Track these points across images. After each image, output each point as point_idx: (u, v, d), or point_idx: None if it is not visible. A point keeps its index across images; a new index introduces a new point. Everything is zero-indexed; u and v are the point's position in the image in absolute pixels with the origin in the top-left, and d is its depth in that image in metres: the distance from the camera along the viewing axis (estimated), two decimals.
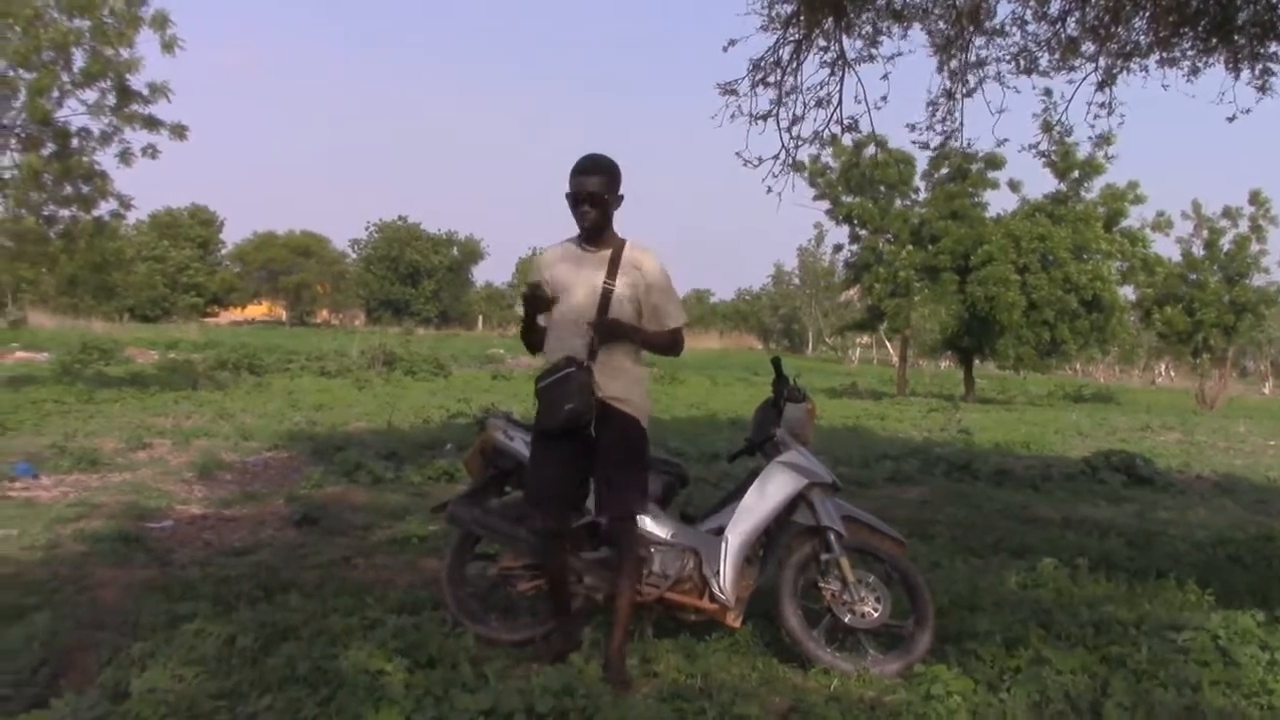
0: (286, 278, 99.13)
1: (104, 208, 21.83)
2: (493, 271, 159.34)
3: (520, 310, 5.17)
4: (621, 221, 5.15)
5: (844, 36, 10.23)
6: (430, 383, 29.34)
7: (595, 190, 4.96)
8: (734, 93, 10.49)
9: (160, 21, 20.95)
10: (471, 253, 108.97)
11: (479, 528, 5.67)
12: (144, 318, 76.93)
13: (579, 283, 5.03)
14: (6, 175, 21.13)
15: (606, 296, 4.99)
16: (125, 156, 21.35)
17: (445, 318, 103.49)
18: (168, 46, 21.16)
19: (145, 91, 21.22)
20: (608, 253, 5.05)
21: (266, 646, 5.05)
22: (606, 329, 4.95)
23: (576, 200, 4.98)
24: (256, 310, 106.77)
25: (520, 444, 5.58)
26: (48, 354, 32.89)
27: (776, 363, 5.88)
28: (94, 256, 22.03)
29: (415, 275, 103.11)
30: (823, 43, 10.38)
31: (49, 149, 21.00)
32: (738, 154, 10.44)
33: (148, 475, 11.18)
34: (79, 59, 20.88)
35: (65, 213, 21.69)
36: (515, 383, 29.88)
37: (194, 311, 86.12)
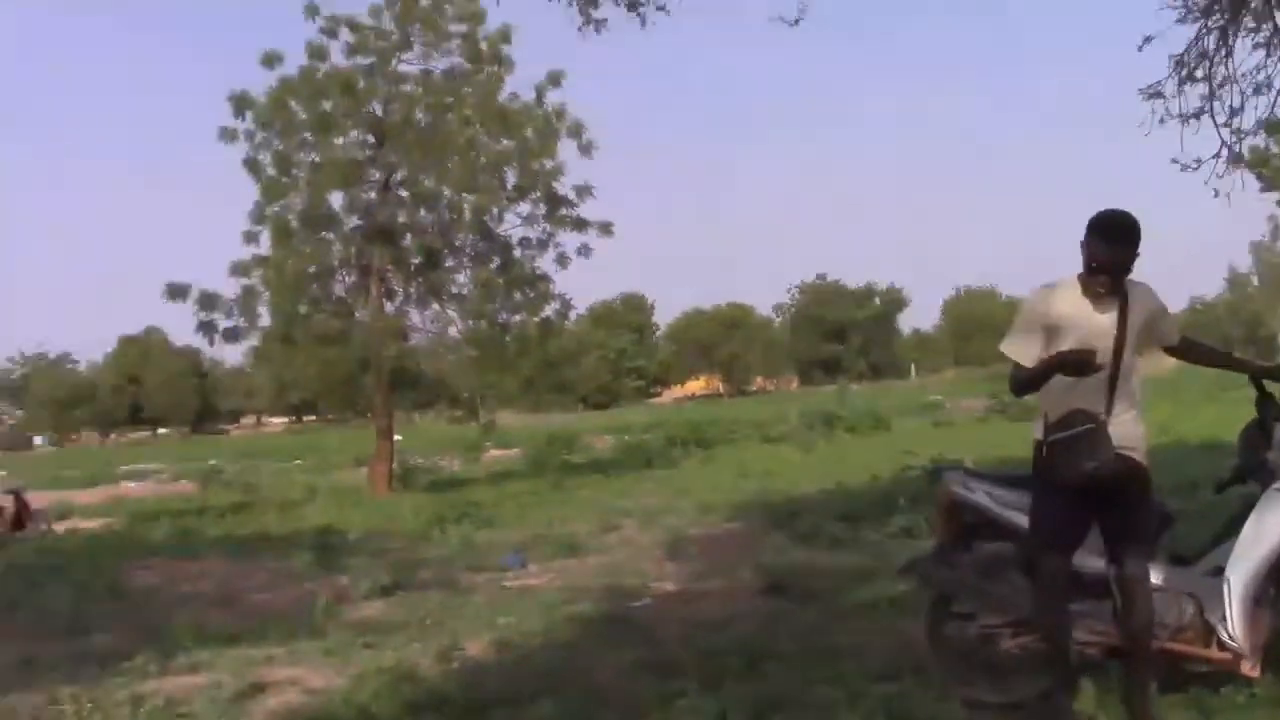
0: (719, 350, 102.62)
1: (548, 309, 23.80)
2: (919, 318, 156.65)
3: (1021, 355, 5.00)
4: None
5: (1276, 14, 9.36)
6: (872, 438, 29.27)
7: (1123, 262, 4.74)
8: (1160, 95, 9.85)
9: (576, 130, 22.71)
10: (895, 302, 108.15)
11: (953, 586, 5.56)
12: (596, 405, 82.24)
13: (1091, 334, 4.82)
14: (464, 291, 23.53)
15: (1120, 347, 4.80)
16: (562, 259, 23.27)
17: (876, 370, 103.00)
18: (585, 150, 22.87)
19: (572, 195, 23.00)
20: (1116, 299, 4.84)
21: (759, 718, 5.19)
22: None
23: (1099, 268, 4.72)
24: (695, 385, 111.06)
25: (982, 495, 5.43)
26: (518, 450, 35.89)
27: (1258, 378, 5.37)
28: (546, 356, 23.99)
29: (841, 331, 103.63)
30: (1251, 24, 9.55)
31: (495, 262, 23.19)
32: (1174, 160, 9.77)
33: (622, 556, 11.90)
34: (511, 176, 23.03)
35: (516, 318, 23.79)
36: (959, 429, 29.22)
37: (639, 394, 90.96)
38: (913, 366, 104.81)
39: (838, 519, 12.54)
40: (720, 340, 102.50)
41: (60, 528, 20.89)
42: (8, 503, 21.31)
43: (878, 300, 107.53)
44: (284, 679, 6.82)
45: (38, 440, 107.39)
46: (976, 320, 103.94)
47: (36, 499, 23.24)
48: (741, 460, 24.94)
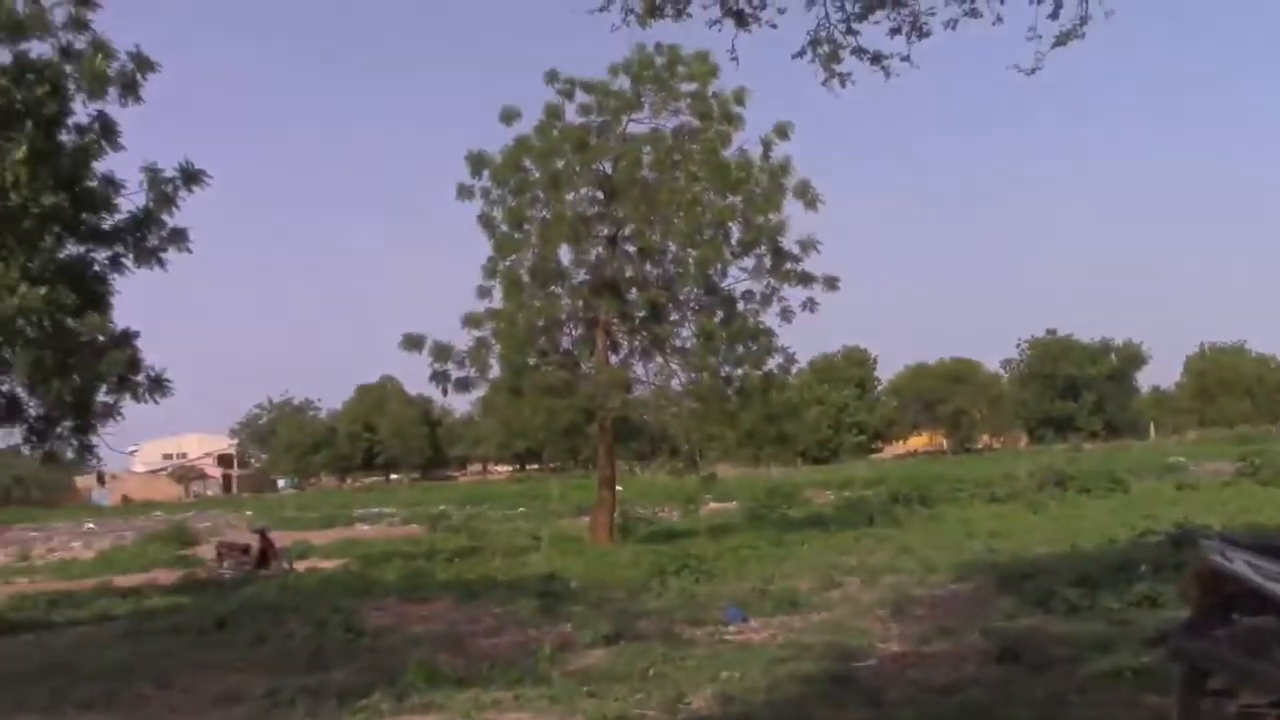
0: (943, 406, 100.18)
1: (771, 363, 23.76)
2: (1159, 375, 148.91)
3: None
4: None
5: None
6: (1108, 499, 27.91)
7: None
8: None
9: (802, 190, 22.75)
10: (1132, 358, 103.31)
11: (1210, 660, 5.21)
12: (815, 460, 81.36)
13: None
14: (687, 344, 23.74)
15: None
16: (785, 314, 23.25)
17: (1112, 429, 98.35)
18: (810, 204, 22.84)
19: (796, 250, 22.96)
20: None
21: None
22: None
23: None
24: (918, 441, 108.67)
25: (1242, 565, 5.08)
26: (736, 503, 35.80)
27: None
28: (767, 409, 23.87)
29: (1074, 388, 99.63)
30: None
31: (719, 316, 23.34)
32: None
33: (844, 614, 11.68)
34: (735, 231, 23.17)
35: (738, 371, 23.84)
36: (1203, 492, 27.55)
37: (859, 449, 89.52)
38: (1152, 425, 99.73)
39: (1072, 583, 11.97)
40: (945, 395, 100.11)
41: (300, 566, 22.01)
42: (255, 541, 22.64)
43: (1113, 356, 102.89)
44: None
45: (280, 483, 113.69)
46: (1223, 378, 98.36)
47: (279, 538, 24.58)
48: (967, 519, 24.20)
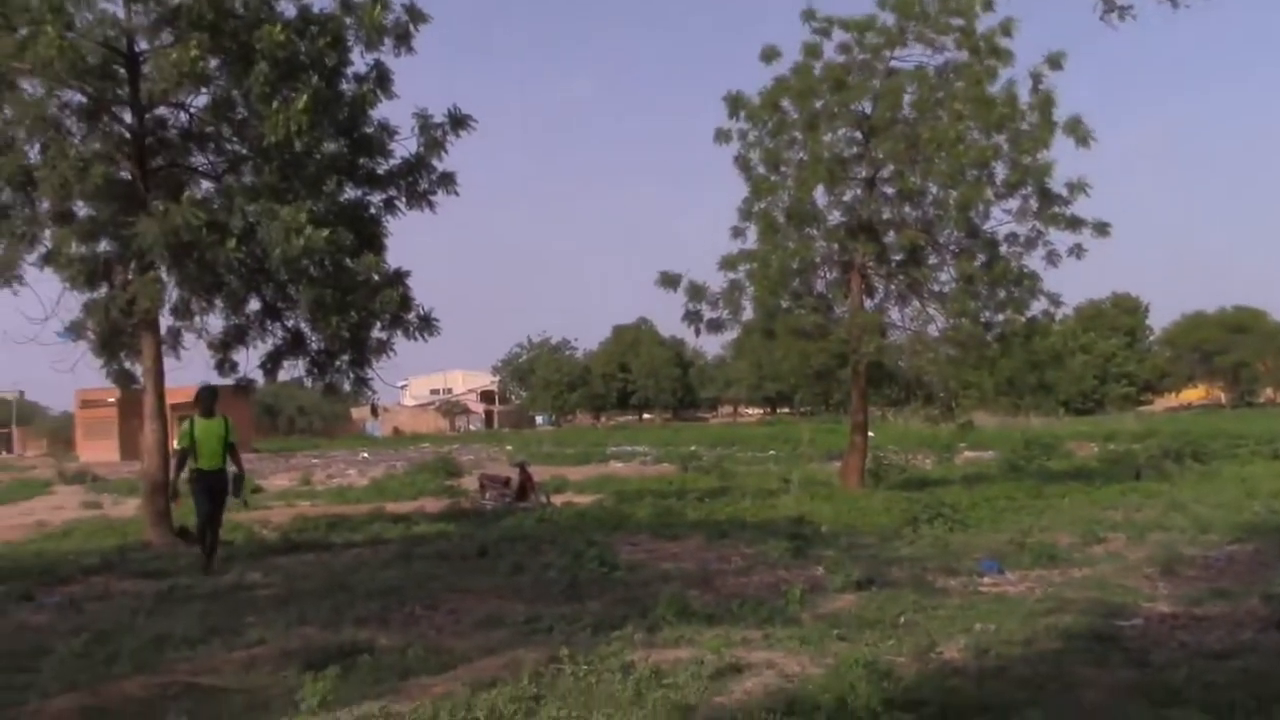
0: (1222, 357, 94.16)
1: (1035, 308, 22.80)
2: None
3: None
4: None
5: None
6: None
7: None
8: None
9: (1073, 126, 21.61)
10: None
11: None
12: (1078, 411, 78.08)
13: None
14: (946, 289, 23.07)
15: None
16: (1051, 258, 22.22)
17: None
18: (1081, 141, 21.68)
19: (1064, 192, 21.88)
20: None
21: None
22: None
23: None
24: (1192, 394, 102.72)
25: None
26: (993, 452, 34.82)
27: None
28: (1029, 356, 23.01)
29: None
30: None
31: (980, 259, 22.52)
32: None
33: (1107, 571, 11.22)
34: (999, 172, 22.24)
35: (999, 317, 22.99)
36: None
37: (1126, 401, 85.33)
38: None
39: None
40: (1225, 346, 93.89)
41: (557, 500, 22.79)
42: (515, 475, 23.57)
43: None
44: (760, 661, 7.02)
45: (539, 419, 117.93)
46: None
47: (537, 473, 25.51)
48: (1246, 477, 22.71)
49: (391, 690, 6.50)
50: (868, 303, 23.56)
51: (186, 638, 8.71)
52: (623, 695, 6.28)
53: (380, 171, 16.69)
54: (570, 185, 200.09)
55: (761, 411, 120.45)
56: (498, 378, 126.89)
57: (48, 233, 15.71)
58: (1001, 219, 22.75)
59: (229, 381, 17.99)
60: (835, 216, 23.33)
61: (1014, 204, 22.46)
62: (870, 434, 26.91)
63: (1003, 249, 22.66)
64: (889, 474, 25.50)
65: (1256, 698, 5.77)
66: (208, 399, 13.64)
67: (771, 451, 44.04)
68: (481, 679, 6.61)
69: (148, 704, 6.69)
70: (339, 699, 6.15)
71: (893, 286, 23.81)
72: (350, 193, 16.46)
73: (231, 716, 6.17)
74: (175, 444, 13.45)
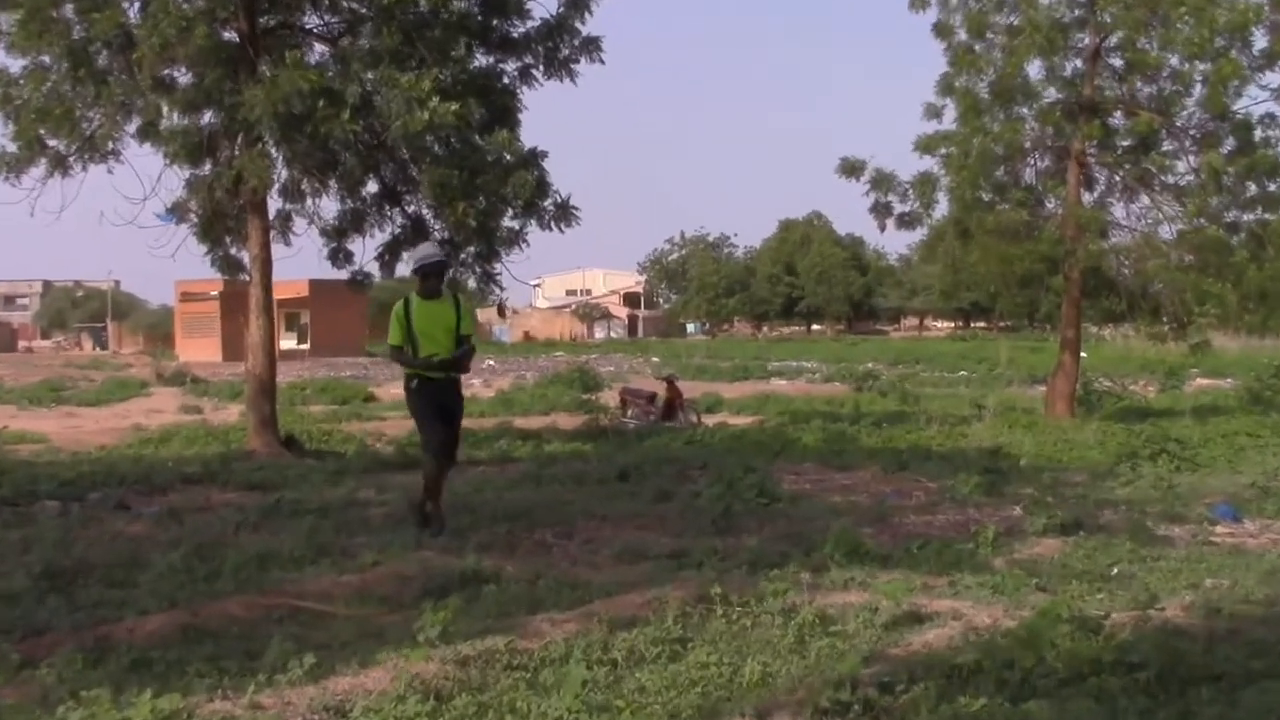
0: None
1: None
2: None
3: None
4: None
5: None
6: None
7: None
8: None
9: None
10: None
11: None
12: None
13: None
14: (1184, 182, 22.20)
15: None
16: None
17: None
18: None
19: None
20: None
21: None
22: None
23: None
24: None
25: None
26: (1232, 380, 33.70)
27: None
28: None
29: None
30: None
31: (1229, 146, 21.57)
32: None
33: None
34: (1259, 39, 21.16)
35: (1250, 217, 22.07)
36: None
37: None
38: None
39: None
40: None
41: (709, 420, 22.93)
42: (661, 390, 23.76)
43: None
44: (945, 610, 6.97)
45: (690, 327, 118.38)
46: None
47: (687, 388, 25.68)
48: None
49: (519, 624, 6.65)
50: (1086, 197, 22.93)
51: (293, 557, 9.06)
52: (782, 641, 6.32)
53: (515, 35, 16.74)
54: (732, 51, 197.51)
55: (953, 325, 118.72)
56: (644, 278, 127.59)
57: (147, 102, 16.19)
58: (1258, 97, 21.76)
59: (343, 275, 18.51)
60: (1051, 94, 22.63)
61: (1276, 79, 21.48)
62: (1083, 355, 26.31)
63: (1257, 134, 21.68)
64: (1103, 402, 24.96)
65: None
66: (434, 271, 10.70)
67: (963, 372, 43.53)
68: (621, 617, 6.72)
69: (251, 626, 7.00)
70: (460, 631, 6.32)
71: (1117, 178, 23.09)
72: (481, 60, 16.58)
73: (342, 644, 6.40)
74: (390, 340, 10.69)
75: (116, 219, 16.95)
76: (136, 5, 15.51)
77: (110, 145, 16.43)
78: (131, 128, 16.56)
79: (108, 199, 20.78)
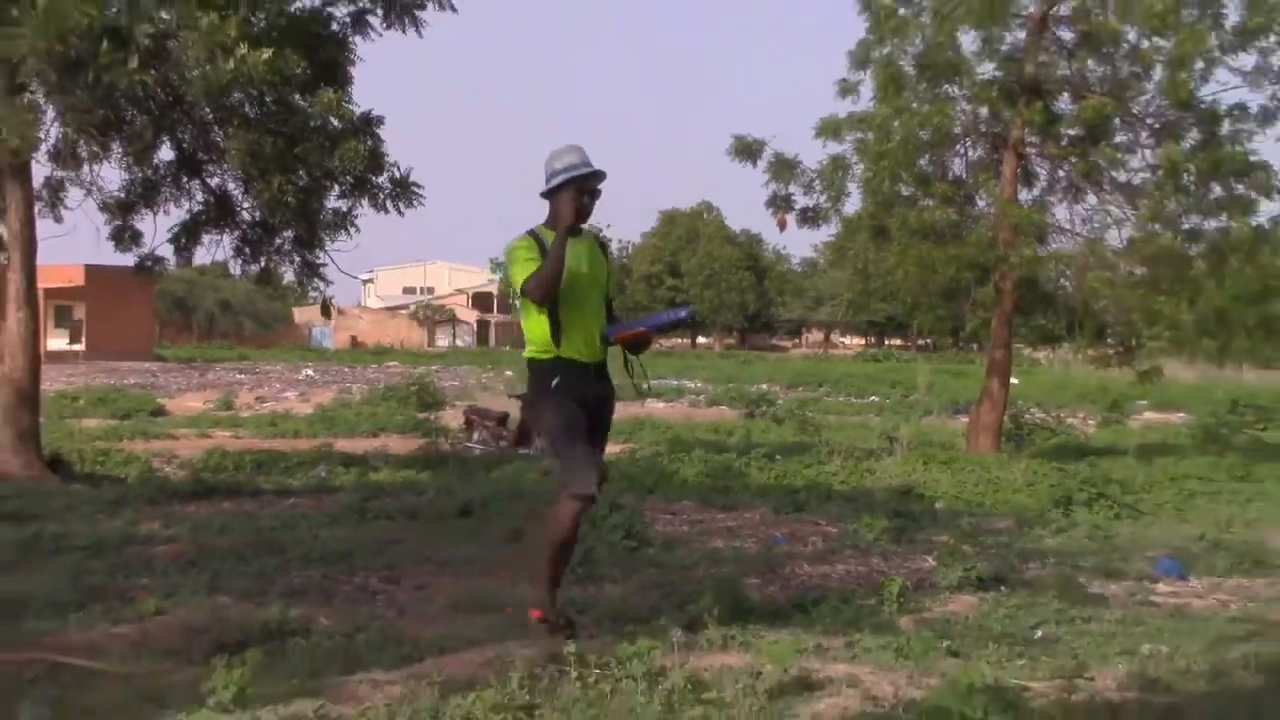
0: None
1: (1265, 212, 22.29)
2: None
3: None
4: None
5: None
6: None
7: None
8: None
9: None
10: None
11: None
12: None
13: None
14: (1137, 180, 22.63)
15: None
16: None
17: None
18: None
19: None
20: None
21: None
22: None
23: None
24: None
25: None
26: (1184, 414, 34.65)
27: None
28: (1251, 281, 22.38)
29: None
30: None
31: (1191, 139, 21.99)
32: None
33: None
34: (1231, 12, 21.57)
35: (1212, 224, 22.50)
36: None
37: None
38: None
39: None
40: None
41: None
42: (513, 410, 23.76)
43: None
44: (840, 676, 7.09)
45: None
46: None
47: None
48: None
49: (332, 686, 6.62)
50: (1024, 194, 23.38)
51: (55, 602, 8.90)
52: (647, 710, 6.38)
53: None
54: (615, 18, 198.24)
55: (863, 342, 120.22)
56: (497, 277, 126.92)
57: None
58: (1227, 82, 22.32)
59: (127, 261, 18.19)
60: (987, 70, 23.00)
61: (1249, 60, 21.90)
62: (1013, 381, 26.85)
63: (1225, 126, 22.15)
64: (1035, 436, 25.50)
65: None
66: (594, 190, 7.98)
67: (874, 398, 44.19)
68: (456, 678, 6.73)
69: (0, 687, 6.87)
70: (260, 694, 6.27)
71: (1061, 173, 23.58)
72: (304, 1, 16.41)
73: (113, 708, 6.32)
74: (518, 287, 7.83)
75: None
76: None
77: None
78: None
79: None
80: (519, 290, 7.69)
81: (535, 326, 7.80)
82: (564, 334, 7.73)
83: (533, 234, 7.79)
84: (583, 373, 7.83)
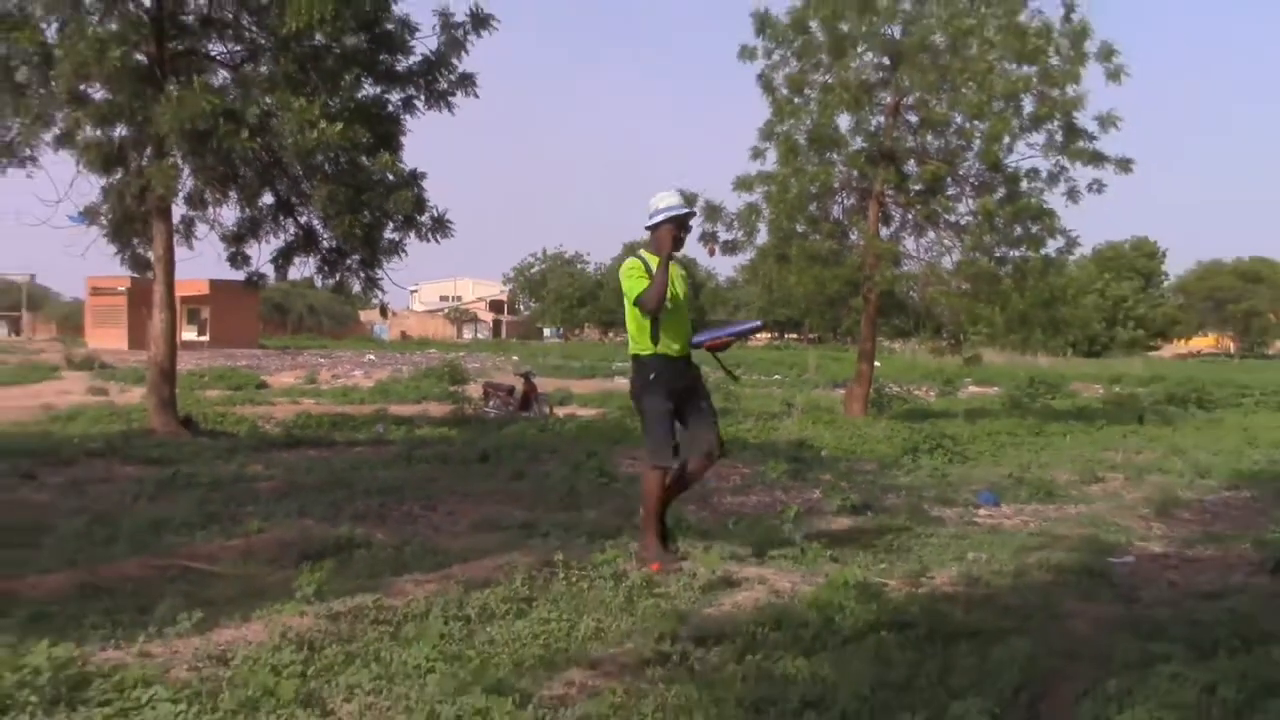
0: (1234, 306, 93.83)
1: (1052, 245, 22.59)
2: None
3: None
4: None
5: None
6: None
7: None
8: None
9: (1107, 53, 21.24)
10: None
11: None
12: (1085, 353, 77.96)
13: None
14: (963, 221, 22.87)
15: None
16: (1073, 194, 22.02)
17: None
18: (1113, 76, 21.37)
19: (1093, 127, 21.58)
20: None
21: (1250, 700, 4.77)
22: None
23: None
24: (1202, 342, 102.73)
25: None
26: (997, 388, 34.85)
27: None
28: (1043, 293, 22.79)
29: None
30: None
31: (1000, 193, 22.28)
32: None
33: (1103, 509, 11.28)
34: (1028, 104, 21.92)
35: (1015, 253, 22.82)
36: None
37: (1135, 345, 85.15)
38: None
39: None
40: (1238, 295, 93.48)
41: (560, 412, 22.90)
42: (519, 384, 23.66)
43: None
44: (753, 576, 7.09)
45: (546, 332, 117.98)
46: None
47: (542, 384, 25.59)
48: (1249, 426, 22.74)
49: (385, 585, 6.57)
50: (884, 231, 23.40)
51: (186, 523, 8.82)
52: (613, 601, 6.36)
53: (399, 69, 16.51)
54: (589, 98, 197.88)
55: (770, 336, 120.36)
56: (508, 287, 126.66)
57: (63, 114, 15.62)
58: (1025, 153, 22.51)
59: (240, 276, 18.07)
60: (857, 142, 23.01)
61: (1040, 138, 22.18)
62: (877, 364, 26.90)
63: (1023, 184, 22.43)
64: (892, 404, 25.55)
65: (1241, 637, 5.80)
66: (687, 224, 7.83)
67: (777, 376, 44.13)
68: (475, 578, 6.69)
69: (144, 584, 6.79)
70: (333, 590, 6.22)
71: (910, 216, 23.60)
72: (368, 89, 16.31)
73: (227, 601, 6.25)
74: (631, 300, 7.62)
75: (32, 219, 16.35)
76: (55, 26, 14.94)
77: (28, 151, 15.88)
78: (49, 136, 15.98)
79: (24, 199, 19.93)
80: (632, 302, 7.58)
81: (639, 329, 7.66)
82: (661, 335, 7.60)
83: (639, 257, 7.69)
84: (675, 364, 7.69)
